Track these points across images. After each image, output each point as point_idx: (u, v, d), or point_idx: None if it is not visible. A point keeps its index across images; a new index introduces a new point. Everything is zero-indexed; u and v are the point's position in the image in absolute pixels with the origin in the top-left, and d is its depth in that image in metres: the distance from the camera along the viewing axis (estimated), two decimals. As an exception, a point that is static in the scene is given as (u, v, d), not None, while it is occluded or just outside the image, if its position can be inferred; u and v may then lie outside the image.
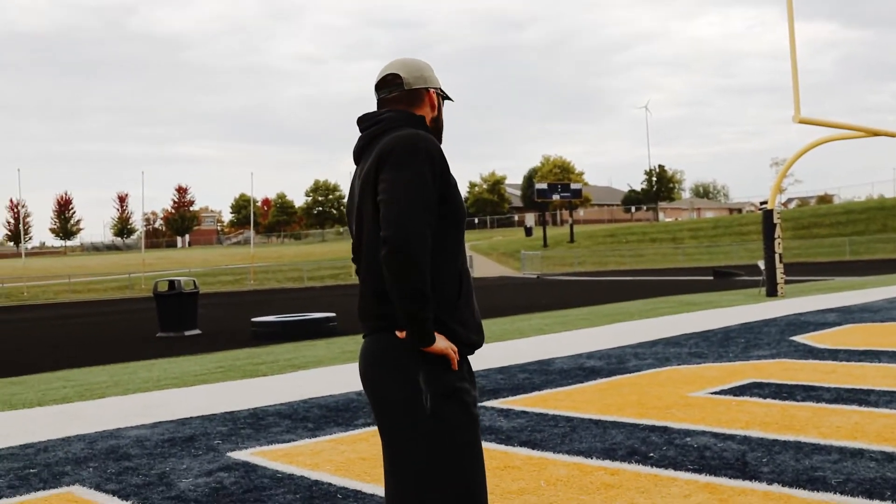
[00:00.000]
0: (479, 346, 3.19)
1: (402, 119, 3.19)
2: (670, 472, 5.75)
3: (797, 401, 8.10)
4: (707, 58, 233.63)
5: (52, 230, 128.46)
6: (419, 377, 3.00)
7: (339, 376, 10.88)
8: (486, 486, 3.09)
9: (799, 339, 12.92)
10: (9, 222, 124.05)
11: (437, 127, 3.33)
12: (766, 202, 24.09)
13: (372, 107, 3.38)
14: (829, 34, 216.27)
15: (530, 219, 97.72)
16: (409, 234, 2.87)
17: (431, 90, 3.32)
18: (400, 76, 3.29)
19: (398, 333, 3.02)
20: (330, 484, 5.81)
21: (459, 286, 3.10)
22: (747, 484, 5.41)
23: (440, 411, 2.99)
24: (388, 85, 3.30)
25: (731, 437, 6.70)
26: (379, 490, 5.60)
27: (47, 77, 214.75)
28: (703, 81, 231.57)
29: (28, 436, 7.96)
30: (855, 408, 7.65)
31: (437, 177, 3.02)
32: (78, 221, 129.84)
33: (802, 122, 20.92)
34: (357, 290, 3.28)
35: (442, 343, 2.99)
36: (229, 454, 6.85)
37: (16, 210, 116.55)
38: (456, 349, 3.04)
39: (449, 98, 3.43)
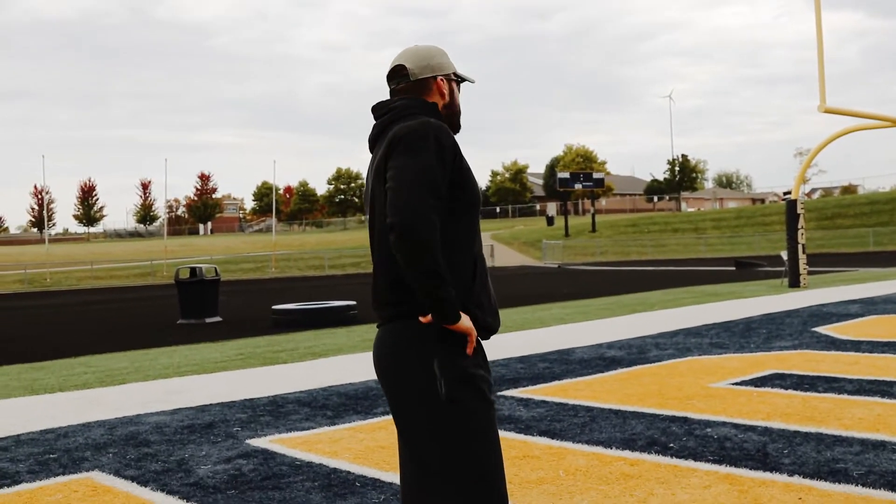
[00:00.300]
0: (496, 330, 3.19)
1: (415, 107, 3.19)
2: (690, 463, 5.73)
3: (819, 392, 8.05)
4: (732, 47, 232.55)
5: (76, 216, 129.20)
6: (434, 364, 2.99)
7: (359, 364, 10.88)
8: (504, 472, 3.07)
9: (821, 329, 12.85)
10: (33, 208, 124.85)
11: (451, 113, 3.31)
12: (789, 192, 24.00)
13: (388, 94, 3.37)
14: (856, 24, 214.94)
15: (552, 208, 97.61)
16: (415, 218, 2.85)
17: (440, 78, 3.29)
18: (406, 67, 3.28)
19: (421, 319, 3.00)
20: (349, 472, 5.80)
21: (474, 270, 3.11)
22: (768, 475, 5.37)
23: (455, 397, 2.97)
24: (397, 76, 3.32)
25: (752, 429, 6.66)
26: (397, 479, 5.59)
27: (72, 64, 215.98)
28: (728, 71, 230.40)
29: (49, 421, 7.99)
30: (877, 399, 7.60)
31: (448, 163, 3.01)
32: (101, 208, 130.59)
33: (828, 111, 20.76)
34: None
35: (466, 322, 2.98)
36: (248, 441, 6.85)
37: (40, 196, 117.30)
38: (475, 332, 3.03)
39: (467, 80, 3.41)
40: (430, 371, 2.99)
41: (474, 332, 3.00)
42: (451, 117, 3.31)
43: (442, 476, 2.98)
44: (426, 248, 2.85)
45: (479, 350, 3.11)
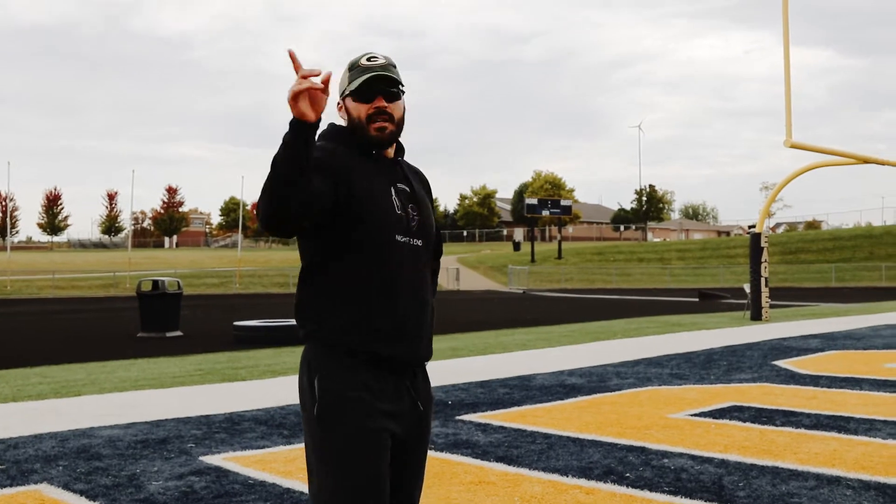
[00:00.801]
0: (389, 358, 3.05)
1: (320, 137, 3.14)
2: (646, 494, 5.70)
3: (776, 426, 8.06)
4: (705, 80, 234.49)
5: (40, 225, 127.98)
6: (315, 384, 3.03)
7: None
8: (369, 499, 2.98)
9: (781, 363, 12.89)
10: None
11: (353, 129, 3.13)
12: (754, 226, 24.12)
13: None
14: (826, 60, 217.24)
15: (519, 233, 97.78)
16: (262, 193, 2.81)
17: (338, 101, 3.20)
18: None
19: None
20: (302, 492, 5.74)
21: (369, 284, 3.02)
22: (723, 508, 5.36)
23: (322, 419, 2.99)
24: None
25: (709, 460, 6.65)
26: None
27: (46, 71, 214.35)
28: (700, 103, 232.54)
29: (-1, 431, 7.87)
30: (834, 434, 7.62)
31: (327, 178, 2.93)
32: (66, 217, 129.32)
33: (794, 146, 20.93)
34: None
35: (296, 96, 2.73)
36: (202, 458, 6.77)
37: (3, 203, 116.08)
38: (308, 85, 2.72)
39: (353, 90, 3.11)
40: (312, 390, 3.04)
41: (303, 91, 2.72)
42: (357, 133, 3.12)
43: (313, 492, 3.06)
44: (268, 206, 2.78)
45: (367, 374, 3.02)
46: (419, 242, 3.13)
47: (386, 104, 3.09)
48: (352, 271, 3.03)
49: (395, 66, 3.16)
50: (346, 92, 3.14)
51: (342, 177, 2.99)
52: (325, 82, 2.75)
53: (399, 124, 3.15)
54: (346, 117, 3.16)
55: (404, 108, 3.20)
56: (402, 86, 3.17)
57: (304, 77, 2.73)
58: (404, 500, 3.18)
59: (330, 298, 3.05)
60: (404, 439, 3.10)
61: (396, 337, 3.04)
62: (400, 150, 3.26)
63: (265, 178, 2.79)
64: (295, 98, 2.72)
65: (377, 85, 3.08)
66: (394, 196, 3.08)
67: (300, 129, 2.74)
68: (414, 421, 3.12)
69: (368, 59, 3.12)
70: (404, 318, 3.05)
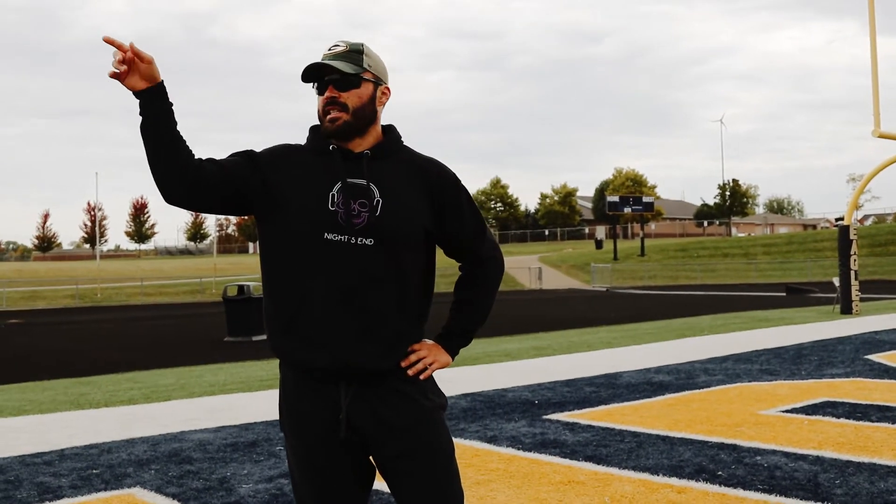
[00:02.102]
0: (316, 368, 2.92)
1: None
2: (739, 492, 5.60)
3: (872, 421, 7.87)
4: (785, 72, 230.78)
5: (128, 233, 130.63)
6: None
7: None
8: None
9: (874, 357, 12.61)
10: (85, 225, 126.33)
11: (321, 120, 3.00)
12: (841, 218, 23.69)
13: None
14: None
15: (601, 231, 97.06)
16: None
17: None
18: None
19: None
20: (390, 494, 5.72)
21: (291, 287, 2.92)
22: (819, 506, 5.24)
23: (282, 430, 3.11)
24: None
25: (803, 458, 6.51)
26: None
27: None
28: (781, 96, 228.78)
29: (93, 436, 8.00)
30: (933, 430, 7.41)
31: (253, 159, 2.96)
32: (153, 226, 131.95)
33: (882, 136, 20.49)
34: None
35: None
36: (290, 460, 6.80)
37: (92, 213, 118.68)
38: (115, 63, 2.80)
39: (311, 82, 3.00)
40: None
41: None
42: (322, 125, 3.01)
43: None
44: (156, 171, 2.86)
45: (305, 385, 2.98)
46: (368, 241, 2.86)
47: (338, 93, 2.91)
48: (277, 272, 2.94)
49: (358, 52, 2.97)
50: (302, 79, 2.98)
51: (265, 172, 2.92)
52: (128, 51, 2.75)
53: (358, 113, 2.93)
54: None
55: (371, 95, 2.97)
56: (359, 71, 2.94)
57: (116, 52, 2.74)
58: None
59: (266, 300, 3.01)
60: (376, 451, 2.97)
61: (320, 345, 2.88)
62: (386, 141, 3.02)
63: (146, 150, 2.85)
64: (115, 77, 2.77)
65: (318, 75, 2.94)
66: (333, 192, 2.87)
67: (140, 99, 2.79)
68: (373, 429, 2.93)
69: (329, 49, 2.98)
70: (328, 325, 2.86)
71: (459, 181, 3.09)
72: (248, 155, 2.96)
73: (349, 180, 2.90)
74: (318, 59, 2.94)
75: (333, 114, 2.91)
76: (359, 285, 2.86)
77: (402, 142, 3.07)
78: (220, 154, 3.02)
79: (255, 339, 21.04)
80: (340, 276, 2.86)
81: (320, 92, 2.94)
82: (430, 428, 2.98)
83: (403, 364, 2.96)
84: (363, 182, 2.90)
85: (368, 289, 2.87)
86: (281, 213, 2.90)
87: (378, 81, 3.01)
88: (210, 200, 2.91)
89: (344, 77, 2.91)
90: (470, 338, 3.20)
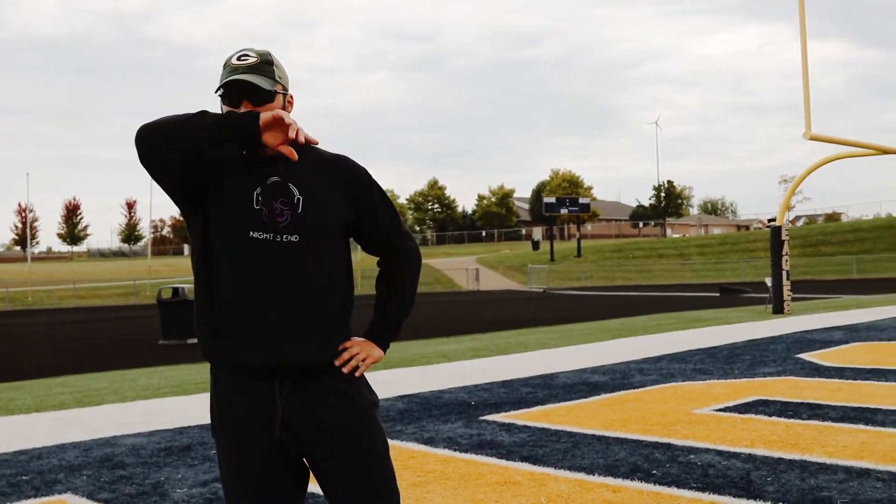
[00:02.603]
0: (245, 365, 2.93)
1: None
2: (673, 490, 5.65)
3: (803, 419, 7.99)
4: (720, 75, 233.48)
5: (60, 235, 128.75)
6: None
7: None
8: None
9: (805, 356, 12.81)
10: (16, 226, 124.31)
11: None
12: (774, 219, 24.03)
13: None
14: (843, 53, 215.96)
15: (538, 232, 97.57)
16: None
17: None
18: None
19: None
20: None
21: (216, 285, 2.93)
22: (752, 503, 5.30)
23: (213, 434, 3.07)
24: None
25: (736, 456, 6.59)
26: None
27: (61, 82, 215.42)
28: (715, 99, 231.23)
29: (23, 442, 7.87)
30: (861, 427, 7.54)
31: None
32: (86, 227, 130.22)
33: (813, 138, 20.83)
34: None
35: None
36: (225, 464, 6.74)
37: (23, 214, 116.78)
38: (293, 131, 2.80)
39: (224, 93, 2.98)
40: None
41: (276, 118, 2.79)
42: None
43: None
44: (159, 130, 2.85)
45: (234, 384, 2.98)
46: (293, 238, 2.90)
47: (253, 107, 2.91)
48: (204, 271, 2.97)
49: (269, 63, 2.99)
50: (218, 92, 2.98)
51: (209, 169, 2.94)
52: (300, 141, 2.82)
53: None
54: None
55: (282, 106, 3.01)
56: (273, 85, 2.96)
57: (297, 132, 2.80)
58: None
59: (196, 301, 3.01)
60: (310, 447, 2.96)
61: (248, 342, 2.89)
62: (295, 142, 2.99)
63: (180, 117, 2.80)
64: (279, 125, 2.78)
65: (237, 89, 2.93)
66: (257, 191, 2.91)
67: (245, 128, 2.78)
68: (308, 426, 2.93)
69: (238, 59, 2.96)
70: (256, 320, 2.88)
71: (370, 175, 3.14)
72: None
73: (271, 180, 2.93)
74: (231, 68, 2.95)
75: None
76: (287, 281, 2.90)
77: None
78: None
79: (189, 341, 20.85)
80: (268, 274, 2.89)
81: (233, 105, 2.93)
82: (365, 426, 3.00)
83: (337, 362, 2.97)
84: (281, 181, 2.93)
85: (296, 284, 2.90)
86: (207, 214, 2.93)
87: (285, 92, 3.05)
88: (174, 171, 2.91)
89: (261, 93, 2.93)
90: (398, 331, 3.24)
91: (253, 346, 2.87)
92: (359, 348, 3.04)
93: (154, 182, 2.95)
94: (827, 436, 7.22)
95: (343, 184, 3.04)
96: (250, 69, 2.93)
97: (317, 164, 3.03)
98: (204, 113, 2.79)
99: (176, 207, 3.08)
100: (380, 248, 3.20)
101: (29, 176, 67.78)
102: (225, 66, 2.97)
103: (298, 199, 2.93)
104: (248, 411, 2.92)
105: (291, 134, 2.78)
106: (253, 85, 2.90)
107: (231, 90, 2.92)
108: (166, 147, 2.81)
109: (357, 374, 3.02)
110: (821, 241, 71.10)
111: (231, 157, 2.97)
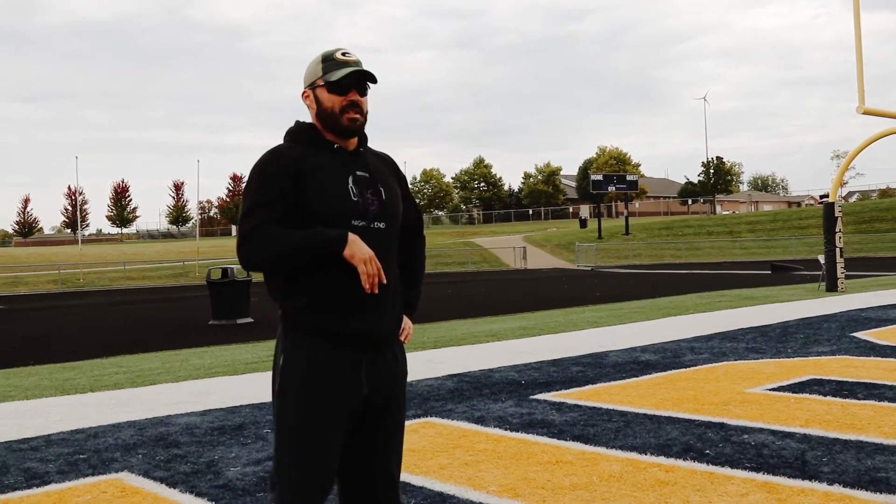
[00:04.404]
0: (349, 334, 3.26)
1: (287, 132, 3.46)
2: (727, 470, 5.61)
3: (859, 399, 7.89)
4: (770, 49, 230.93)
5: (109, 217, 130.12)
6: (279, 363, 3.32)
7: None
8: (312, 470, 3.22)
9: (860, 335, 12.65)
10: (66, 209, 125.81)
11: (324, 118, 3.36)
12: (826, 195, 23.77)
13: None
14: (894, 24, 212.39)
15: (585, 210, 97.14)
16: (239, 235, 3.24)
17: (304, 90, 3.43)
18: None
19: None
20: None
21: (329, 266, 3.20)
22: (807, 484, 5.25)
23: (283, 398, 3.27)
24: None
25: (790, 436, 6.53)
26: (428, 483, 5.51)
27: (108, 66, 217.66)
28: (765, 73, 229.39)
29: (79, 421, 7.97)
30: (919, 407, 7.43)
31: (281, 190, 3.23)
32: (134, 209, 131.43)
33: (867, 112, 20.51)
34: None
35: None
36: (278, 443, 6.77)
37: (73, 197, 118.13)
38: (369, 260, 3.16)
39: (332, 80, 3.33)
40: (277, 371, 3.37)
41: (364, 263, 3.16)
42: (326, 122, 3.36)
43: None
44: (250, 257, 3.22)
45: (326, 352, 3.28)
46: (381, 225, 3.32)
47: (358, 97, 3.34)
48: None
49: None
50: (320, 83, 3.35)
51: (297, 181, 3.23)
52: (375, 283, 3.18)
53: (366, 117, 3.40)
54: (313, 107, 3.37)
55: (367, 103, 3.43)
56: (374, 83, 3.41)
57: (377, 274, 3.16)
58: (379, 472, 3.38)
59: (295, 280, 3.26)
60: (368, 410, 3.31)
61: (356, 314, 3.24)
62: (363, 140, 3.45)
63: (279, 244, 3.16)
64: (363, 262, 3.13)
65: (355, 79, 3.32)
66: (350, 185, 3.29)
67: (333, 252, 3.14)
68: (378, 392, 3.31)
69: (343, 55, 3.35)
70: (362, 296, 3.22)
71: None
72: (277, 186, 3.24)
73: (358, 173, 3.34)
74: (340, 62, 3.35)
75: (353, 114, 3.32)
76: (380, 261, 3.23)
77: None
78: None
79: (239, 321, 20.99)
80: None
81: (340, 92, 3.32)
82: (405, 388, 3.48)
83: (401, 335, 3.48)
84: (366, 174, 3.36)
85: (385, 264, 3.28)
86: (314, 210, 3.24)
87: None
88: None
89: (368, 86, 3.39)
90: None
91: (351, 318, 3.23)
92: (407, 322, 3.55)
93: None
94: (883, 416, 7.13)
95: (395, 177, 3.54)
96: (359, 65, 3.37)
97: (379, 159, 3.52)
98: (299, 248, 3.17)
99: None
100: (410, 234, 3.64)
101: (78, 159, 68.34)
102: (327, 59, 3.35)
103: (380, 190, 3.36)
104: (338, 376, 3.24)
105: (373, 271, 3.17)
106: (372, 76, 3.36)
107: (352, 79, 3.32)
108: (264, 266, 3.29)
109: (406, 342, 3.54)
110: (875, 218, 70.06)
111: (318, 157, 3.32)
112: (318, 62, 3.37)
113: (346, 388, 3.24)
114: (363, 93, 3.36)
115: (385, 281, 3.19)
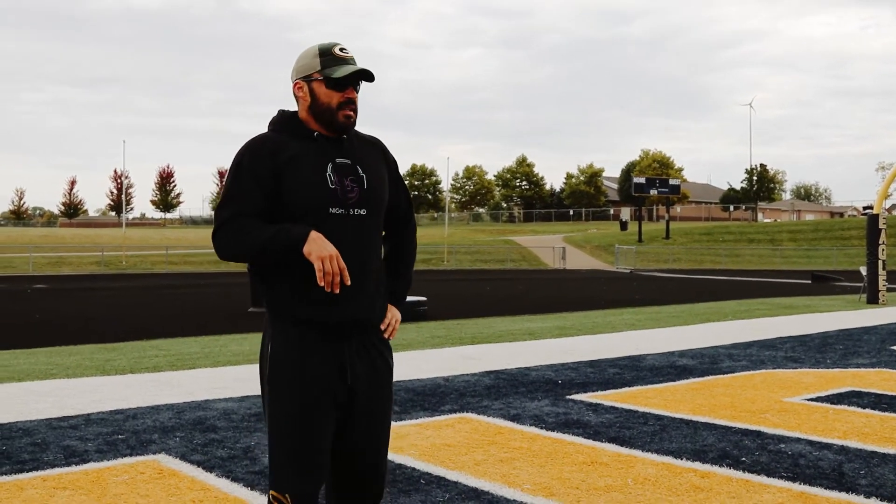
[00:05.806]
0: (330, 323, 3.25)
1: (271, 121, 3.45)
2: (763, 479, 5.59)
3: (898, 412, 7.82)
4: (817, 58, 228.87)
5: (153, 202, 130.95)
6: (267, 352, 3.34)
7: (427, 361, 10.84)
8: (301, 454, 3.24)
9: (901, 348, 12.52)
10: (112, 192, 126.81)
11: (317, 112, 3.34)
12: (870, 206, 23.59)
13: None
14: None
15: (626, 213, 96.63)
16: (214, 226, 3.26)
17: (296, 81, 3.39)
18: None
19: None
20: (413, 468, 5.75)
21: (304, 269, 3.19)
22: (843, 496, 5.22)
23: (272, 385, 3.30)
24: None
25: (828, 447, 6.49)
26: (463, 478, 5.53)
27: (158, 52, 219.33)
28: (812, 82, 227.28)
29: (119, 402, 8.06)
30: (960, 423, 7.36)
31: (258, 179, 3.24)
32: (178, 195, 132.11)
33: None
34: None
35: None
36: (314, 432, 6.82)
37: (119, 181, 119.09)
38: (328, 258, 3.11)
39: (331, 76, 3.31)
40: (265, 360, 3.40)
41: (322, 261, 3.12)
42: (319, 117, 3.34)
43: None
44: (224, 246, 3.27)
45: (310, 340, 3.29)
46: (361, 212, 3.29)
47: (355, 95, 3.35)
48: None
49: None
50: (318, 77, 3.32)
51: (275, 171, 3.23)
52: (336, 282, 3.13)
53: (357, 113, 3.39)
54: (306, 99, 3.34)
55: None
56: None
57: (339, 273, 3.12)
58: (369, 459, 3.39)
59: (278, 270, 3.26)
60: (354, 397, 3.30)
61: (334, 303, 3.22)
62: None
63: (247, 240, 3.19)
64: (320, 259, 3.09)
65: (356, 78, 3.33)
66: (329, 172, 3.26)
67: (296, 249, 3.12)
68: (361, 381, 3.30)
69: (341, 51, 3.35)
70: (341, 286, 3.20)
71: None
72: (258, 177, 3.25)
73: (338, 160, 3.32)
74: (340, 58, 3.34)
75: (349, 111, 3.32)
76: (359, 248, 3.28)
77: None
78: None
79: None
80: (347, 242, 3.23)
81: (339, 88, 3.30)
82: (390, 381, 3.46)
83: (382, 326, 3.42)
84: (348, 161, 3.33)
85: (365, 250, 3.31)
86: (292, 199, 3.23)
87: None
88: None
89: (361, 82, 3.39)
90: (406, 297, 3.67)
91: (333, 306, 3.22)
92: (393, 314, 3.47)
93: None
94: (923, 430, 7.07)
95: (385, 163, 3.51)
96: (359, 64, 3.38)
97: (366, 144, 3.48)
98: (258, 245, 3.18)
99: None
100: (398, 221, 3.60)
101: (125, 144, 68.66)
102: (325, 54, 3.33)
103: (362, 176, 3.33)
104: (321, 363, 3.25)
105: (332, 269, 3.12)
106: (371, 75, 3.35)
107: (353, 78, 3.31)
108: (235, 258, 3.32)
109: (392, 336, 3.47)
110: (918, 231, 69.26)
111: (298, 146, 3.30)
112: (314, 55, 3.34)
113: (329, 377, 3.24)
114: (358, 90, 3.37)
115: (348, 282, 3.14)
